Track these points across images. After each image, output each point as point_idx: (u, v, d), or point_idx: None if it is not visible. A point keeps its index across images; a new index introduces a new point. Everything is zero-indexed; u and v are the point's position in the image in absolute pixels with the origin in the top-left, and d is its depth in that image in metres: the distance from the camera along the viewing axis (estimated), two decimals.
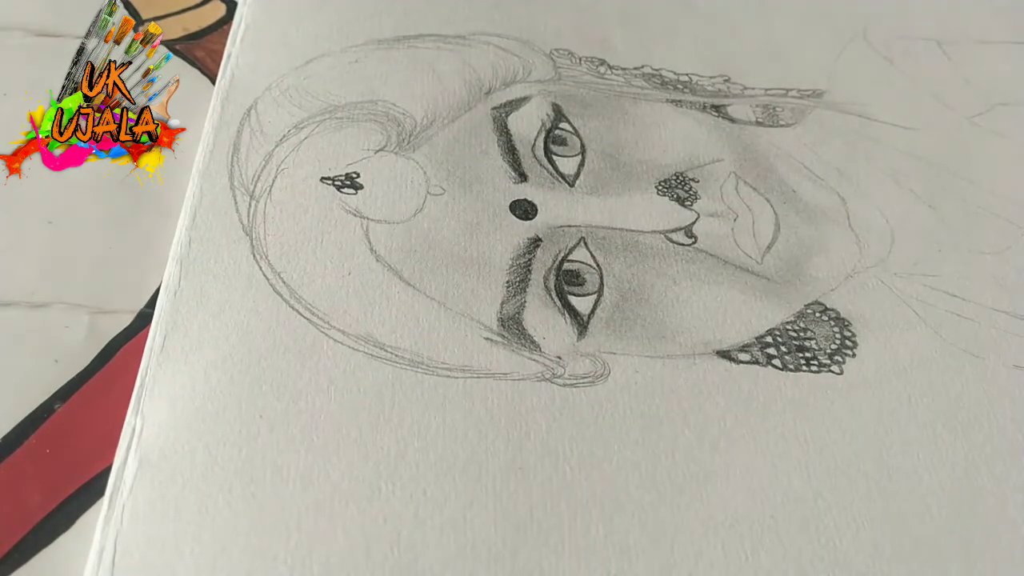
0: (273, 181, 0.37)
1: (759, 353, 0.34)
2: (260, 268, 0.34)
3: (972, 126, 0.44)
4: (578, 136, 0.40)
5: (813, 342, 0.35)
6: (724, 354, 0.34)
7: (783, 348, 0.34)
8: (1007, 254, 0.39)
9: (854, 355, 0.34)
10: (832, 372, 0.34)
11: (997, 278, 0.38)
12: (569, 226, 0.37)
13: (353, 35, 0.44)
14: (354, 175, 0.38)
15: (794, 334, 0.35)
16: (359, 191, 0.37)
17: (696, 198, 0.39)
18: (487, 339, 0.33)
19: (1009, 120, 0.44)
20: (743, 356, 0.34)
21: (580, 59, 0.44)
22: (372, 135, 0.39)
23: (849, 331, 0.35)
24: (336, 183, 0.37)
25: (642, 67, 0.44)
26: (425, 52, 0.42)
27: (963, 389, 0.34)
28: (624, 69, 0.44)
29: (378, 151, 0.39)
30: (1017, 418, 0.33)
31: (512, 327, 0.34)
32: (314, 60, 0.42)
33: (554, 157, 0.40)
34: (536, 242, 0.36)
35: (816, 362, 0.34)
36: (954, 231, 0.39)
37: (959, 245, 0.39)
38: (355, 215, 0.36)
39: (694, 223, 0.38)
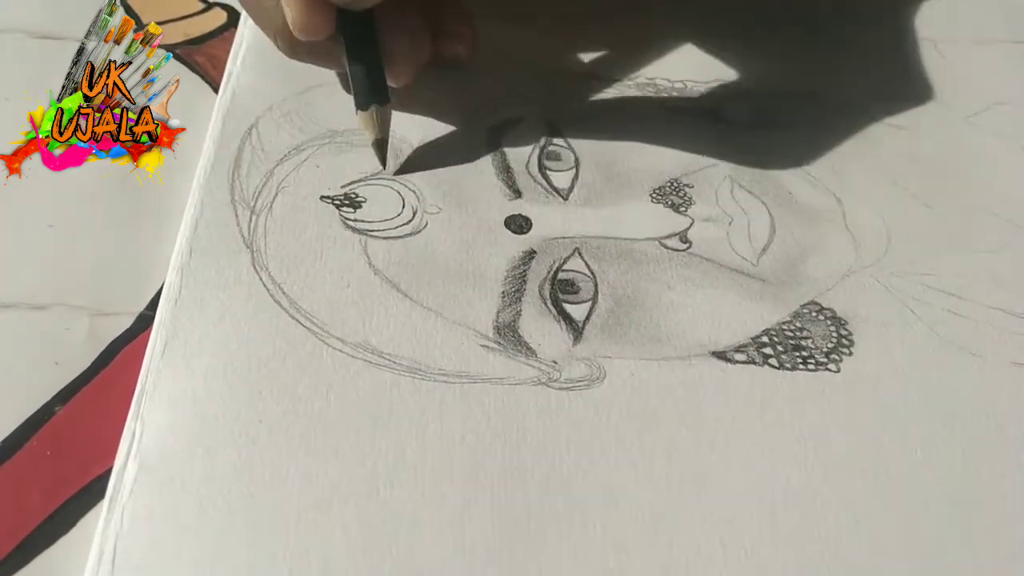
0: (274, 198, 0.38)
1: (755, 353, 0.34)
2: (261, 279, 0.34)
3: (970, 126, 0.44)
4: (571, 150, 0.41)
5: (809, 341, 0.35)
6: (720, 355, 0.34)
7: (779, 348, 0.34)
8: (1004, 252, 0.39)
9: (851, 353, 0.34)
10: (829, 371, 0.34)
11: (994, 276, 0.38)
12: (563, 237, 0.37)
13: None
14: (353, 194, 0.38)
15: (790, 333, 0.35)
16: (358, 210, 0.38)
17: (691, 203, 0.39)
18: (483, 346, 0.33)
19: (1007, 120, 0.44)
20: (739, 356, 0.34)
21: (573, 74, 0.44)
22: (371, 160, 0.39)
23: (846, 330, 0.35)
24: (336, 202, 0.38)
25: (636, 77, 0.44)
26: (421, 78, 0.42)
27: (961, 386, 0.34)
28: (617, 80, 0.44)
29: (376, 173, 0.39)
30: (1015, 415, 0.33)
31: (508, 334, 0.34)
32: (314, 88, 0.42)
33: (548, 173, 0.40)
34: (531, 254, 0.37)
35: (813, 361, 0.34)
36: (951, 230, 0.39)
37: (956, 244, 0.39)
38: (354, 232, 0.37)
39: (688, 228, 0.38)
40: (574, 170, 0.40)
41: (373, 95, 0.38)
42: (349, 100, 0.39)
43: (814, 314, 0.36)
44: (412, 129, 0.41)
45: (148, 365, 0.32)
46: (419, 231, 0.37)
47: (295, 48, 0.38)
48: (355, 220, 0.37)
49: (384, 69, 0.38)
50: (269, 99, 0.42)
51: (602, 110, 0.43)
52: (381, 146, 0.39)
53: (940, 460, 0.32)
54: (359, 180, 0.39)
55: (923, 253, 0.38)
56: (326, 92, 0.42)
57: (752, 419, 0.32)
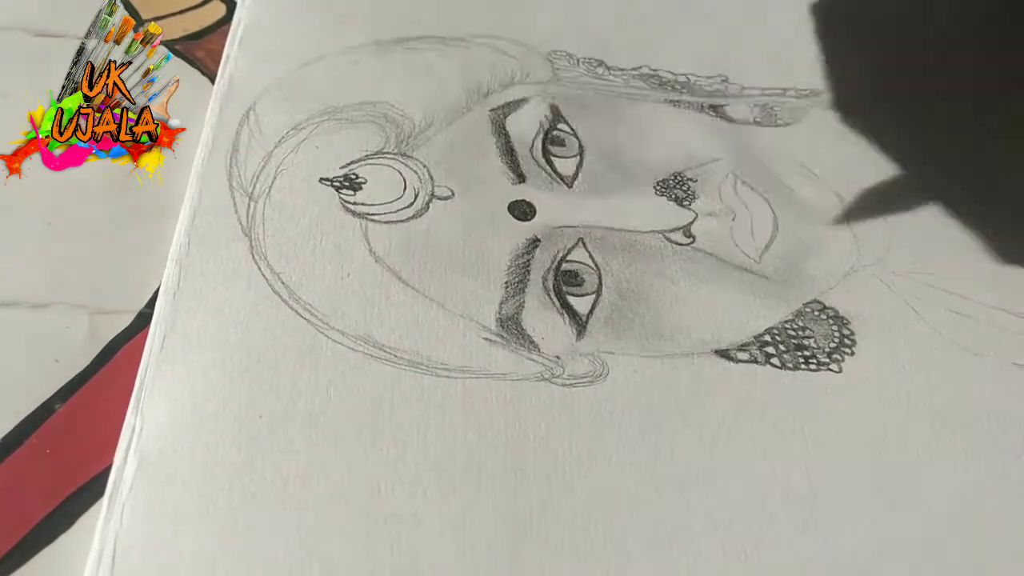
0: (272, 182, 0.37)
1: (758, 352, 0.34)
2: (259, 268, 0.34)
3: (970, 122, 0.44)
4: (576, 137, 0.40)
5: (812, 340, 0.35)
6: (723, 353, 0.34)
7: (782, 347, 0.34)
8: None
9: (853, 353, 0.34)
10: (831, 370, 0.34)
11: (996, 275, 0.38)
12: (567, 226, 0.37)
13: (351, 37, 0.44)
14: (353, 176, 0.38)
15: (793, 333, 0.35)
16: (358, 192, 0.37)
17: (694, 198, 0.39)
18: (486, 339, 0.33)
19: (1007, 116, 0.44)
20: (742, 355, 0.34)
21: (578, 60, 0.44)
22: (371, 136, 0.39)
23: (848, 329, 0.35)
24: (335, 184, 0.37)
25: (640, 67, 0.44)
26: (423, 54, 0.42)
27: (962, 386, 0.34)
28: (622, 70, 0.44)
29: (377, 152, 0.39)
30: (1017, 415, 0.33)
31: (511, 327, 0.34)
32: (312, 62, 0.42)
33: (552, 158, 0.40)
34: (535, 243, 0.36)
35: (815, 360, 0.34)
36: (953, 228, 0.39)
37: (958, 242, 0.39)
38: (354, 216, 0.36)
39: (692, 223, 0.38)
40: (578, 157, 0.40)
41: None
42: (348, 73, 0.38)
43: (816, 313, 0.36)
44: (412, 106, 0.41)
45: (147, 359, 0.32)
46: (420, 214, 0.37)
47: None
48: (355, 203, 0.37)
49: None
50: (266, 79, 0.41)
51: (606, 98, 0.43)
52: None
53: (941, 460, 0.32)
54: (359, 160, 0.39)
55: (925, 252, 0.38)
56: (324, 66, 0.42)
57: (754, 419, 0.32)
